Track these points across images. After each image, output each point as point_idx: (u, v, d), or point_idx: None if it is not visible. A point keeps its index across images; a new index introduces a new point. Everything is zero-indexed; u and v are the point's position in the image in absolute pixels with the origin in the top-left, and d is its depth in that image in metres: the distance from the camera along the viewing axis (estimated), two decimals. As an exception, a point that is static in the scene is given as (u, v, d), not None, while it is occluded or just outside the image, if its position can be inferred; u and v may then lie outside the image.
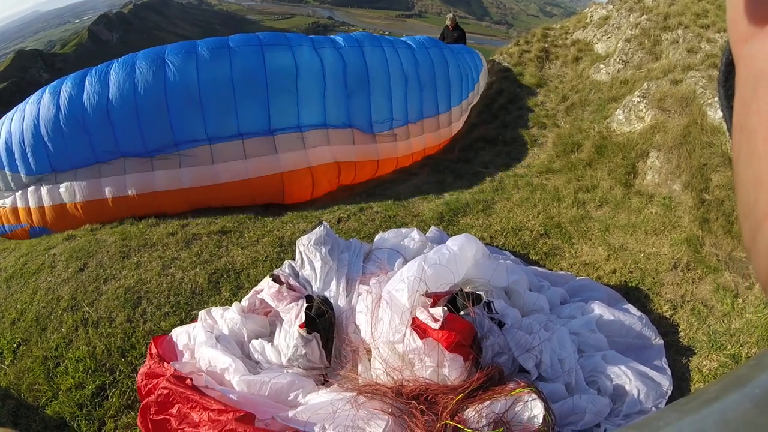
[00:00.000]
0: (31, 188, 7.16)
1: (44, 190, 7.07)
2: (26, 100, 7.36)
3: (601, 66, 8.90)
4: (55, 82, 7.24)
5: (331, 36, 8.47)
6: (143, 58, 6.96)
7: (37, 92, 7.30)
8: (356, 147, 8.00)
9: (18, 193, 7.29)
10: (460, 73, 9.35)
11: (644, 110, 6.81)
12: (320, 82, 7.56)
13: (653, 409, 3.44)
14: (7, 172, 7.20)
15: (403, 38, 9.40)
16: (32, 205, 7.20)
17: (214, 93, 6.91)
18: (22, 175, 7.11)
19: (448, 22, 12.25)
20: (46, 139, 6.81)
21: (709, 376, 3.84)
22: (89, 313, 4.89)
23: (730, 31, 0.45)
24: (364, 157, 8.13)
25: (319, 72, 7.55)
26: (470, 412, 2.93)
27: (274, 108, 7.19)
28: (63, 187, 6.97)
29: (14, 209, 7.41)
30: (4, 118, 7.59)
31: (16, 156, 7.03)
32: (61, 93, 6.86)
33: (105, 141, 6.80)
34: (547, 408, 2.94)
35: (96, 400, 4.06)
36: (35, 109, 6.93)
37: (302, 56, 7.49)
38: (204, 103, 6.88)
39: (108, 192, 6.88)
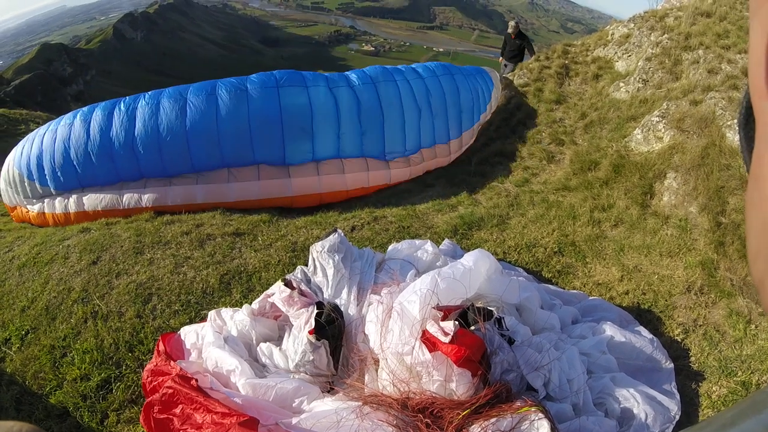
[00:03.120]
0: (58, 198, 7.72)
1: (70, 199, 7.61)
2: (57, 120, 7.99)
3: (621, 84, 8.85)
4: (85, 109, 7.79)
5: (346, 73, 8.69)
6: (168, 97, 7.40)
7: (68, 115, 7.90)
8: (369, 173, 8.27)
9: (46, 201, 7.88)
10: (471, 98, 9.48)
11: (663, 130, 6.75)
12: (334, 122, 7.86)
13: (660, 434, 3.39)
14: (37, 184, 7.82)
15: (413, 66, 9.50)
16: (58, 211, 7.74)
17: (232, 134, 7.33)
18: (51, 189, 7.70)
19: (510, 30, 12.29)
20: (75, 163, 7.37)
21: (719, 402, 3.77)
22: (99, 306, 4.93)
23: (751, 84, 0.46)
24: (376, 182, 8.42)
25: (333, 112, 7.85)
26: (476, 428, 2.90)
27: (289, 147, 7.58)
28: (86, 198, 7.50)
29: (41, 214, 8.01)
30: (35, 133, 8.28)
31: (46, 172, 7.62)
32: (92, 122, 7.38)
33: (130, 169, 7.33)
34: (553, 428, 2.89)
35: (100, 393, 4.08)
36: (66, 132, 7.49)
37: (317, 97, 7.79)
38: (222, 144, 7.31)
39: (126, 203, 7.36)
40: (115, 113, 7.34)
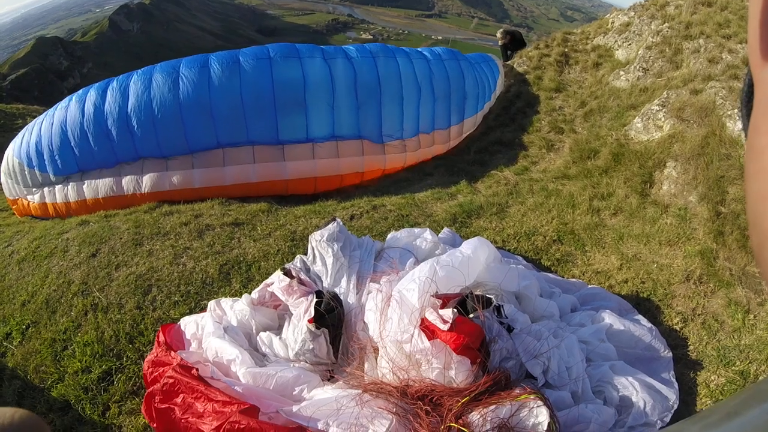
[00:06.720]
0: (58, 186, 7.71)
1: (69, 187, 7.59)
2: (55, 106, 7.99)
3: (621, 73, 8.81)
4: (80, 91, 7.81)
5: (344, 46, 8.54)
6: (160, 71, 7.37)
7: (65, 99, 7.92)
8: (364, 158, 8.18)
9: (46, 190, 7.88)
10: (476, 85, 9.35)
11: (663, 119, 6.73)
12: (329, 93, 7.71)
13: (658, 422, 3.40)
14: (37, 171, 7.81)
15: (419, 49, 9.36)
16: (58, 200, 7.75)
17: (225, 106, 7.25)
18: (50, 174, 7.67)
19: (505, 41, 12.51)
20: (72, 144, 7.35)
21: (717, 391, 3.78)
22: (99, 298, 4.93)
23: (750, 56, 0.47)
24: (370, 167, 8.35)
25: (327, 83, 7.70)
26: (475, 416, 2.91)
27: (282, 121, 7.48)
28: (86, 185, 7.47)
29: (43, 204, 8.01)
30: (34, 122, 8.30)
31: (45, 157, 7.60)
32: (86, 101, 7.36)
33: (126, 147, 7.26)
34: (552, 415, 2.91)
35: (101, 385, 4.09)
36: (63, 115, 7.49)
37: (311, 68, 7.66)
38: (215, 116, 7.23)
39: (126, 189, 7.35)
40: (108, 91, 7.31)
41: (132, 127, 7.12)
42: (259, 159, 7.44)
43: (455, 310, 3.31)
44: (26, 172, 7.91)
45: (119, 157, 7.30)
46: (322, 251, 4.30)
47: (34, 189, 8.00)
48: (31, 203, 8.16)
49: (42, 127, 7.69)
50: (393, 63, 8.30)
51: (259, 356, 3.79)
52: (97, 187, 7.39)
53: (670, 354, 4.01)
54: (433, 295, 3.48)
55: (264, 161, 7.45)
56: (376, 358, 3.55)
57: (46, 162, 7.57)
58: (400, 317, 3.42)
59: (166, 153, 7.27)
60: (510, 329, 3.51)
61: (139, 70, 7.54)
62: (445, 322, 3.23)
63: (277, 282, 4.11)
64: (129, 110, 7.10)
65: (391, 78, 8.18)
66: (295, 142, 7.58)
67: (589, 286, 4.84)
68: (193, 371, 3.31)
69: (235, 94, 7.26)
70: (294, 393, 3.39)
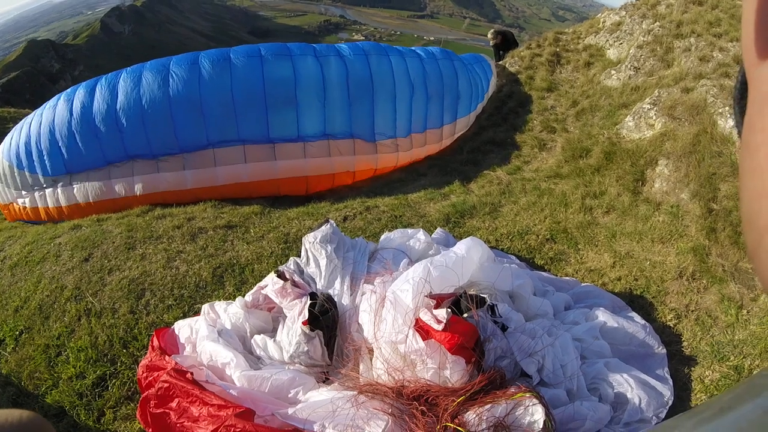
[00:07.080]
0: (48, 190, 7.61)
1: (59, 191, 7.49)
2: (44, 105, 7.86)
3: (613, 72, 8.85)
4: (69, 90, 7.69)
5: (337, 45, 8.47)
6: (150, 69, 7.28)
7: (53, 98, 7.80)
8: (356, 157, 8.12)
9: (37, 194, 7.77)
10: (470, 86, 9.33)
11: (654, 117, 6.77)
12: (320, 91, 7.65)
13: (654, 418, 3.42)
14: (26, 173, 7.69)
15: (413, 48, 9.34)
16: (50, 205, 7.66)
17: (215, 104, 7.18)
18: (39, 176, 7.56)
19: (497, 41, 12.67)
20: (60, 144, 7.22)
21: (711, 386, 3.80)
22: (92, 303, 4.91)
23: (744, 54, 0.47)
24: (362, 167, 8.31)
25: (319, 81, 7.65)
26: (470, 415, 2.92)
27: (272, 119, 7.41)
28: (76, 188, 7.38)
29: (34, 208, 7.92)
30: (23, 121, 8.17)
31: (34, 158, 7.49)
32: (74, 100, 7.25)
33: (114, 146, 7.16)
34: (547, 413, 2.92)
35: (96, 390, 4.07)
36: (51, 114, 7.37)
37: (302, 66, 7.61)
38: (206, 113, 7.16)
39: (118, 191, 7.26)
40: (97, 89, 7.21)
41: (121, 125, 7.02)
42: (250, 158, 7.39)
43: (449, 310, 3.31)
44: (16, 174, 7.81)
45: (108, 157, 7.19)
46: (315, 253, 4.30)
47: (24, 192, 7.91)
48: (22, 207, 8.07)
49: (31, 128, 7.58)
50: (386, 61, 8.25)
51: (253, 359, 3.78)
52: (87, 189, 7.31)
53: (664, 350, 4.03)
54: (427, 296, 3.48)
55: (255, 161, 7.40)
56: (371, 359, 3.56)
57: (35, 163, 7.47)
58: (394, 318, 3.43)
59: (156, 152, 7.18)
60: (504, 328, 3.52)
61: (129, 68, 7.44)
62: (439, 322, 3.23)
63: (270, 284, 4.11)
64: (118, 108, 7.00)
65: (384, 76, 8.12)
66: (286, 140, 7.51)
67: (583, 284, 4.85)
68: (188, 375, 3.29)
69: (226, 91, 7.20)
70: (289, 395, 3.38)
